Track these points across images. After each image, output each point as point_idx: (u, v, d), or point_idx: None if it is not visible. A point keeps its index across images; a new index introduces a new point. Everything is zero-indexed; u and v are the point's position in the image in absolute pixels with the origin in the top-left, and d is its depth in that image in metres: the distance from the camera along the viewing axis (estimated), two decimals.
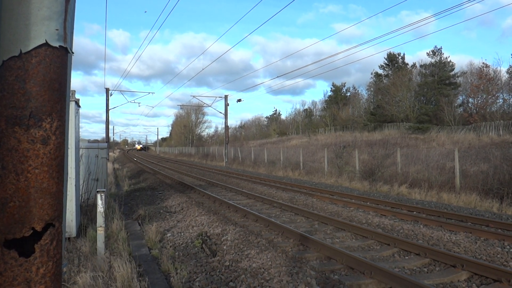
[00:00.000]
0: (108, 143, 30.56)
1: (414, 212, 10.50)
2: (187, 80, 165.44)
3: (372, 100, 57.41)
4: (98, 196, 6.09)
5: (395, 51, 55.59)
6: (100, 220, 5.94)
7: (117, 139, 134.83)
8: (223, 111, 38.33)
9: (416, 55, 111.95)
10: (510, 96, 41.03)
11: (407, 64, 54.82)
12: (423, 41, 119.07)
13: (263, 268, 5.78)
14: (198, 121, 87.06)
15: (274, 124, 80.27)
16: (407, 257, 6.57)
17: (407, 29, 51.97)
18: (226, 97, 37.83)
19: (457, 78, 47.28)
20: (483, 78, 41.45)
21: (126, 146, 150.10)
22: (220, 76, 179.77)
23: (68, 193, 6.82)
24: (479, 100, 42.13)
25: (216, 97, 39.51)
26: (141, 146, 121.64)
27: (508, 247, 6.90)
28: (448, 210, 10.79)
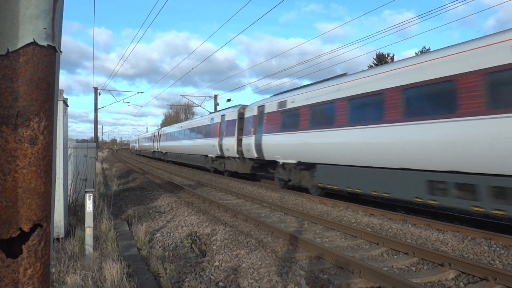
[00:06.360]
0: (97, 142, 30.26)
1: (403, 211, 10.60)
2: (174, 81, 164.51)
3: None
4: (87, 196, 6.03)
5: (381, 51, 56.14)
6: (88, 220, 5.88)
7: (106, 138, 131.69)
8: (212, 111, 38.24)
9: (401, 55, 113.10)
10: None
11: None
12: (407, 41, 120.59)
13: (253, 268, 5.79)
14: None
15: None
16: (395, 256, 6.64)
17: (392, 30, 52.57)
18: (215, 96, 37.84)
19: None
20: None
21: (115, 146, 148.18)
22: (206, 75, 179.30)
23: (56, 193, 6.71)
24: None
25: (205, 96, 39.46)
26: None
27: (494, 246, 7.01)
28: (436, 209, 10.93)
